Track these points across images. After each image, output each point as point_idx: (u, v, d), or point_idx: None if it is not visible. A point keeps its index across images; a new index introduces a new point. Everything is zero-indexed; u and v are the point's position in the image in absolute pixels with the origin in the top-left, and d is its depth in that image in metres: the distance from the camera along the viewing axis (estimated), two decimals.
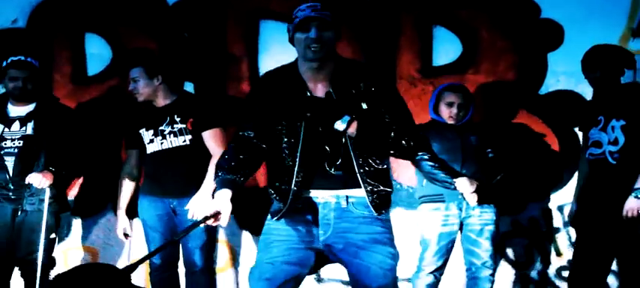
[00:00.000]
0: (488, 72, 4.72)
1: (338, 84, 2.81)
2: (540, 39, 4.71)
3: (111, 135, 4.59)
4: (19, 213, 4.01)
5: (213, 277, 4.46)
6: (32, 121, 4.06)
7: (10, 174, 3.99)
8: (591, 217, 3.89)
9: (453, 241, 4.20)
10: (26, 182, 3.96)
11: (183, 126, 4.08)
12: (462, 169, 4.13)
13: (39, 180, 3.93)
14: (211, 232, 4.23)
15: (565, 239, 4.58)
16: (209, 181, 4.05)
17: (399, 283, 4.43)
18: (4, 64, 4.12)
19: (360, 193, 2.81)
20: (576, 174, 4.19)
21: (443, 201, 4.12)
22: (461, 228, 4.16)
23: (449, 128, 4.24)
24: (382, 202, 2.81)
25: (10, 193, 3.99)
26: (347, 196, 2.85)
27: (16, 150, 4.03)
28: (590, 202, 3.96)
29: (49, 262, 4.12)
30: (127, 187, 4.27)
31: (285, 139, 2.82)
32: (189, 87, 4.66)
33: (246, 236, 4.68)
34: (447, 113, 4.22)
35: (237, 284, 4.69)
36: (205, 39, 4.74)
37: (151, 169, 4.19)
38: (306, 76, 2.87)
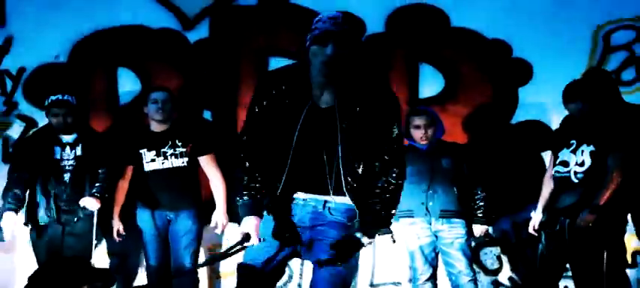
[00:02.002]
0: (467, 103, 5.08)
1: (343, 99, 2.68)
2: (512, 75, 5.09)
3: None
4: (74, 221, 4.43)
5: (197, 279, 4.66)
6: (80, 145, 4.53)
7: (67, 187, 4.46)
8: (553, 227, 4.22)
9: (435, 250, 4.44)
10: (81, 205, 4.39)
11: (184, 149, 4.56)
12: (429, 190, 4.36)
13: (92, 203, 4.38)
14: (199, 239, 4.63)
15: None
16: (220, 200, 4.59)
17: (388, 287, 5.06)
18: (46, 102, 4.52)
19: (341, 200, 2.74)
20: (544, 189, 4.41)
21: (412, 216, 4.40)
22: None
23: (420, 152, 4.44)
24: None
25: (63, 204, 4.44)
26: (325, 201, 2.77)
27: (71, 168, 4.49)
28: (553, 214, 4.27)
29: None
30: (121, 197, 4.61)
31: (280, 139, 2.73)
32: (207, 115, 5.10)
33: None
34: (418, 135, 4.43)
35: None
36: (222, 73, 5.14)
37: (150, 186, 4.56)
38: (314, 83, 2.72)
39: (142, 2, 5.09)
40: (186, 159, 4.56)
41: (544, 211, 4.35)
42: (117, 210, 4.62)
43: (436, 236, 4.44)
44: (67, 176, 4.49)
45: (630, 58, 5.05)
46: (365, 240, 2.71)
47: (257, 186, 2.74)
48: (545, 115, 4.92)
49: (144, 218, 4.62)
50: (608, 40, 5.05)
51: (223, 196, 4.64)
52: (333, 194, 2.72)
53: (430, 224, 4.40)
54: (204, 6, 5.13)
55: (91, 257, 4.52)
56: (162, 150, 4.56)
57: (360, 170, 2.71)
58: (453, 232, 4.39)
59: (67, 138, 4.55)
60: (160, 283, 4.60)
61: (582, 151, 4.16)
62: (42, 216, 4.48)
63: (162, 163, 4.56)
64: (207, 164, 4.63)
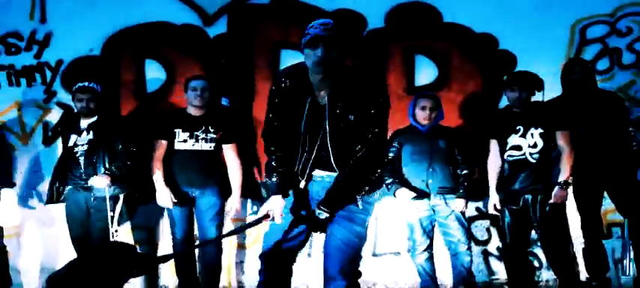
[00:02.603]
0: (458, 91, 5.37)
1: (336, 94, 2.90)
2: (499, 65, 5.34)
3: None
4: (92, 200, 4.70)
5: (221, 249, 4.91)
6: (93, 129, 4.78)
7: (82, 169, 4.75)
8: (516, 204, 4.57)
9: (432, 223, 4.73)
10: (89, 184, 4.64)
11: (214, 135, 4.85)
12: (429, 168, 4.64)
13: (98, 181, 4.63)
14: (222, 214, 4.89)
15: None
16: (237, 187, 4.85)
17: (387, 257, 5.35)
18: (73, 89, 4.83)
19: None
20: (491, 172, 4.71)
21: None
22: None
23: (421, 134, 4.71)
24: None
25: (83, 182, 4.72)
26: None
27: (84, 151, 4.75)
28: (514, 192, 4.56)
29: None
30: (160, 168, 4.79)
31: (293, 127, 2.98)
32: (224, 101, 5.38)
33: None
34: (422, 116, 4.68)
35: None
36: (238, 64, 5.43)
37: (179, 163, 4.78)
38: (313, 81, 2.95)
39: (167, 1, 5.42)
40: (214, 144, 4.83)
41: (498, 190, 4.69)
42: (162, 180, 4.77)
43: (433, 210, 4.71)
44: (81, 159, 4.74)
45: (604, 50, 5.36)
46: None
47: (283, 169, 2.99)
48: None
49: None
50: (584, 33, 5.35)
51: (239, 184, 4.91)
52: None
53: (429, 199, 4.68)
54: (223, 4, 5.44)
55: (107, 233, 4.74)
56: (196, 133, 4.81)
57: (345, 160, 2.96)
58: (449, 206, 4.67)
59: (85, 123, 4.80)
60: (185, 254, 4.86)
61: (532, 134, 4.52)
62: (67, 193, 4.79)
63: (193, 145, 4.81)
64: (230, 152, 4.90)
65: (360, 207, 2.97)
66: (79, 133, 4.82)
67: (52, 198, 4.83)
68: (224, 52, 5.45)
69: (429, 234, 4.74)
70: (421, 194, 4.68)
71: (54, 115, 5.40)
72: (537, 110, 4.59)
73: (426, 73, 5.44)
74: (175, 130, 4.85)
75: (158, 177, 4.80)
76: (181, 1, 5.44)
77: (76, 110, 4.88)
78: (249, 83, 5.40)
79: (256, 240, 5.30)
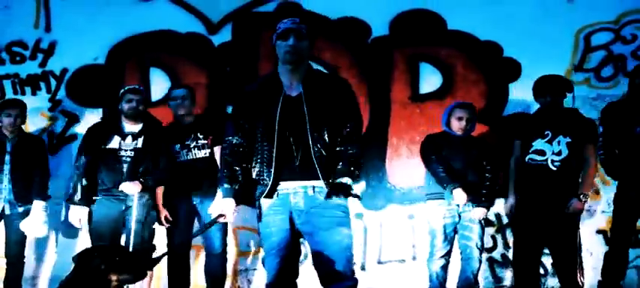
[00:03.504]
0: (462, 99, 5.20)
1: (308, 85, 3.15)
2: (503, 73, 5.38)
3: None
4: (124, 209, 4.49)
5: (226, 258, 4.86)
6: (142, 137, 4.55)
7: (124, 177, 4.48)
8: (531, 209, 4.49)
9: (455, 230, 4.68)
10: (119, 190, 4.44)
11: (205, 141, 4.75)
12: (466, 175, 4.59)
13: (129, 188, 4.44)
14: (226, 225, 4.74)
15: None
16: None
17: (392, 264, 5.35)
18: (122, 91, 4.59)
19: (320, 183, 3.12)
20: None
21: (443, 198, 4.59)
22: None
23: (455, 142, 4.66)
24: (336, 191, 3.09)
25: (121, 194, 4.49)
26: (313, 186, 3.13)
27: (129, 159, 4.50)
28: (531, 197, 4.49)
29: (151, 247, 4.61)
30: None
31: (264, 136, 3.12)
32: (229, 110, 5.24)
33: None
34: (457, 126, 4.65)
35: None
36: (243, 72, 5.44)
37: (177, 175, 4.68)
38: (283, 78, 3.17)
39: (171, 10, 5.48)
40: (208, 150, 4.75)
41: (516, 194, 4.66)
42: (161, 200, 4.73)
43: (459, 216, 4.67)
44: (125, 166, 4.50)
45: (608, 57, 5.37)
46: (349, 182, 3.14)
47: (234, 177, 3.22)
48: (532, 108, 5.06)
49: (172, 205, 4.75)
50: (589, 40, 5.36)
51: None
52: (313, 179, 3.12)
53: (457, 206, 4.62)
54: (227, 12, 5.48)
55: (152, 238, 4.67)
56: (187, 143, 4.75)
57: (325, 139, 3.13)
58: (475, 213, 4.65)
59: (132, 127, 4.58)
60: (182, 259, 4.81)
61: (559, 142, 4.48)
62: (100, 199, 4.51)
63: (187, 154, 4.76)
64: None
65: (355, 198, 3.18)
66: (124, 136, 4.60)
67: (83, 199, 4.51)
68: (229, 61, 5.50)
69: (451, 241, 4.72)
70: (474, 198, 4.62)
71: (59, 124, 5.46)
72: (569, 118, 4.54)
73: (430, 80, 5.47)
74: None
75: (159, 196, 4.76)
76: (186, 9, 5.50)
77: (125, 110, 4.59)
78: None
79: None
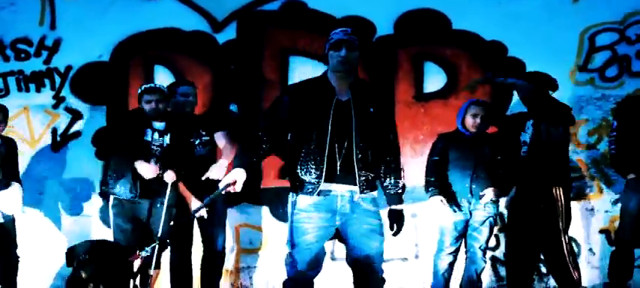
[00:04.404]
0: (466, 98, 5.20)
1: (356, 92, 3.33)
2: (507, 72, 5.14)
3: None
4: (158, 205, 4.47)
5: (224, 257, 4.92)
6: (169, 135, 4.57)
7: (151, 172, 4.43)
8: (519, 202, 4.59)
9: (465, 228, 4.71)
10: (164, 177, 4.42)
11: (208, 138, 4.76)
12: (474, 174, 4.61)
13: (168, 176, 4.42)
14: (223, 223, 4.85)
15: None
16: (222, 162, 4.67)
17: (395, 262, 5.31)
18: (139, 91, 4.58)
19: (359, 190, 3.31)
20: None
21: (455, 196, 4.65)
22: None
23: (467, 140, 4.70)
24: (371, 187, 3.34)
25: (152, 185, 4.45)
26: (358, 192, 3.31)
27: (158, 153, 4.51)
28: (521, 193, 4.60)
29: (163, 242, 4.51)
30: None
31: (315, 137, 3.25)
32: (232, 107, 5.45)
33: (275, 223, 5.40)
34: (471, 123, 4.68)
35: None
36: (247, 70, 5.52)
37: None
38: (334, 84, 3.34)
39: (176, 7, 5.51)
40: (209, 147, 4.78)
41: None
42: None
43: (470, 213, 4.70)
44: (153, 160, 4.48)
45: (613, 57, 5.39)
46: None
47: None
48: None
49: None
50: (594, 41, 5.39)
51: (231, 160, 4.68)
52: (352, 182, 3.29)
53: (469, 204, 4.67)
54: (232, 11, 5.52)
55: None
56: (190, 140, 4.76)
57: (367, 143, 3.31)
58: (486, 211, 4.68)
59: (158, 125, 4.58)
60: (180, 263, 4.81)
61: (526, 128, 4.59)
62: (125, 191, 4.48)
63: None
64: (220, 138, 4.81)
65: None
66: (153, 131, 4.60)
67: (133, 190, 4.51)
68: (233, 58, 5.55)
69: (459, 239, 4.76)
70: (455, 204, 4.68)
71: (63, 121, 5.49)
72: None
73: (434, 79, 5.51)
74: None
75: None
76: (191, 7, 5.53)
77: (147, 111, 4.57)
78: (258, 88, 5.48)
79: (264, 245, 5.43)
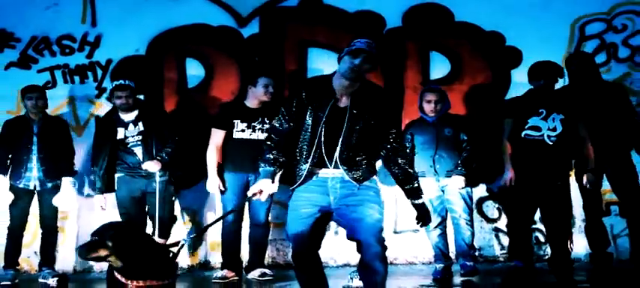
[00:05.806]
0: (469, 84, 5.72)
1: (357, 100, 3.21)
2: (506, 60, 5.72)
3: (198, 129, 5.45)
4: (152, 184, 5.02)
5: (269, 229, 5.23)
6: (141, 121, 5.08)
7: (141, 159, 5.05)
8: (527, 180, 4.77)
9: (442, 202, 4.97)
10: (143, 168, 4.97)
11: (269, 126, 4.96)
12: (435, 155, 4.88)
13: (151, 166, 4.97)
14: (271, 199, 5.03)
15: None
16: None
17: (407, 234, 5.62)
18: (110, 87, 5.13)
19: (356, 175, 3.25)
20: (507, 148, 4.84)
21: (424, 176, 4.85)
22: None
23: (428, 124, 4.94)
24: (363, 178, 3.23)
25: (142, 171, 5.05)
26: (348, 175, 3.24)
27: (139, 142, 5.04)
28: (527, 169, 4.74)
29: (171, 217, 5.19)
30: (218, 157, 5.06)
31: (308, 134, 3.22)
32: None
33: None
34: (428, 108, 4.91)
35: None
36: (269, 61, 5.81)
37: (237, 151, 5.01)
38: (336, 87, 3.23)
39: (204, 5, 5.83)
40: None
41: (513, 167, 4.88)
42: (215, 168, 5.05)
43: (443, 191, 4.97)
44: (138, 150, 5.05)
45: (601, 45, 5.74)
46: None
47: (275, 160, 3.34)
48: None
49: (228, 179, 5.08)
50: (583, 30, 5.74)
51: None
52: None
53: (438, 182, 4.96)
54: (255, 7, 5.84)
55: (173, 210, 5.20)
56: (253, 124, 5.09)
57: (359, 152, 3.23)
58: (455, 184, 4.94)
59: (129, 116, 5.09)
60: (234, 227, 5.15)
61: (553, 119, 4.77)
62: (123, 176, 5.09)
63: (250, 135, 5.09)
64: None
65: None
66: (126, 126, 5.10)
67: (108, 187, 5.15)
68: (257, 51, 5.83)
69: (441, 212, 4.98)
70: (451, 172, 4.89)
71: (104, 109, 5.71)
72: (563, 98, 4.83)
73: (439, 67, 5.81)
74: (234, 121, 5.15)
75: (212, 165, 5.10)
76: (217, 4, 5.84)
77: (117, 105, 5.09)
78: (280, 79, 5.69)
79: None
